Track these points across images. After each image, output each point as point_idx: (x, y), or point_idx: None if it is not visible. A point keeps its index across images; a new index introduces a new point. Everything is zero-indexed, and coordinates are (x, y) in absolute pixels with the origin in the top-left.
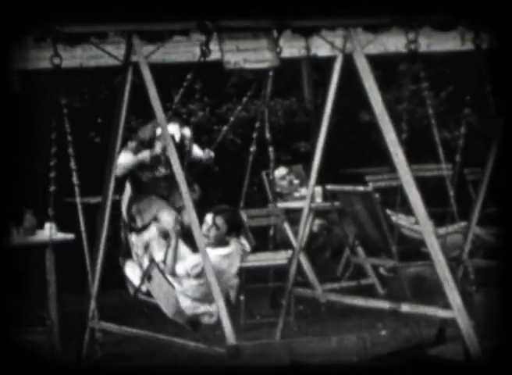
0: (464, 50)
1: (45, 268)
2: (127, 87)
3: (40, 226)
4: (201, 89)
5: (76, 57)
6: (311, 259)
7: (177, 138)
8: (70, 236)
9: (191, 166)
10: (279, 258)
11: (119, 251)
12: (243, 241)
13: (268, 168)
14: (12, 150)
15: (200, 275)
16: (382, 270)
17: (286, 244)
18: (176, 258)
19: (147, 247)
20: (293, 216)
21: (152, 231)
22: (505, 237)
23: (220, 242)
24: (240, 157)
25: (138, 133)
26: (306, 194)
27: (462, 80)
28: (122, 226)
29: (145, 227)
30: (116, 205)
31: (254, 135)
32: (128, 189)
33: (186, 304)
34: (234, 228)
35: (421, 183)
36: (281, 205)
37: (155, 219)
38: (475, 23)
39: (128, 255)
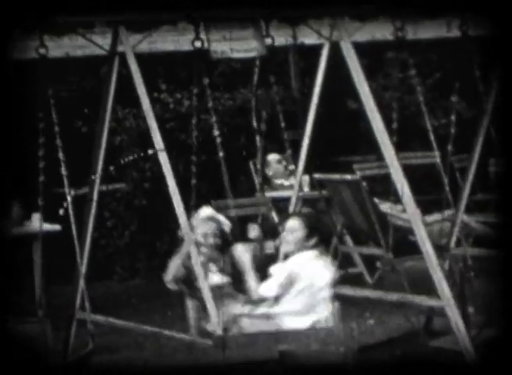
0: (450, 37)
1: (32, 259)
2: (114, 77)
3: (28, 218)
4: (187, 78)
5: (62, 47)
6: None
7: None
8: (57, 227)
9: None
10: (267, 247)
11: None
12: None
13: (255, 157)
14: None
15: (289, 286)
16: (378, 264)
17: (273, 234)
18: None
19: None
20: (280, 205)
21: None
22: (500, 225)
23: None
24: (227, 146)
25: None
26: (294, 183)
27: (449, 67)
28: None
29: None
30: (103, 196)
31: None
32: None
33: (291, 324)
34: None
35: (409, 171)
36: (268, 194)
37: None
38: (462, 10)
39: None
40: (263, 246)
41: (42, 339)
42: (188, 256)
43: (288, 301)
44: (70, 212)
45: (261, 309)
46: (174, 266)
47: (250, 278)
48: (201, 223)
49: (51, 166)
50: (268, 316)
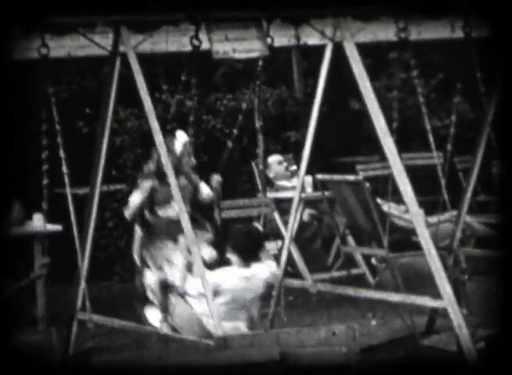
0: (454, 38)
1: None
2: (115, 78)
3: (29, 218)
4: (189, 79)
5: (63, 47)
6: (301, 249)
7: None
8: (58, 227)
9: (198, 205)
10: (269, 248)
11: (137, 298)
12: (270, 262)
13: (257, 158)
14: (1, 141)
15: (215, 294)
16: (373, 260)
17: (276, 235)
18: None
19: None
20: (283, 206)
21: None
22: (501, 225)
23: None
24: (226, 146)
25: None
26: (296, 184)
27: (452, 68)
28: (136, 271)
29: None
30: (104, 196)
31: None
32: (138, 232)
33: (209, 324)
34: (252, 250)
35: (412, 171)
36: (271, 195)
37: (167, 260)
38: (465, 11)
39: (145, 300)
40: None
41: (48, 349)
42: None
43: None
44: (72, 211)
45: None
46: (134, 204)
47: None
48: (178, 145)
49: (51, 165)
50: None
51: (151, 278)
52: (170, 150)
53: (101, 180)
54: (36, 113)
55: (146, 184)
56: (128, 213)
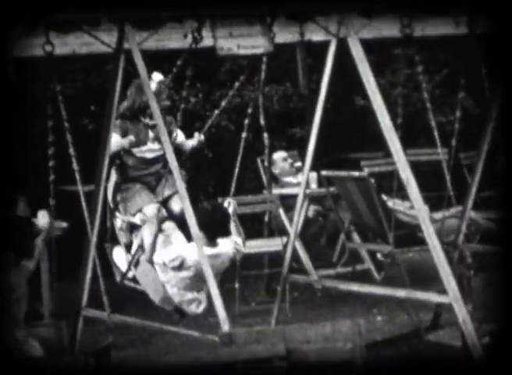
0: (458, 34)
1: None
2: (119, 75)
3: (33, 214)
4: (194, 75)
5: (68, 44)
6: (306, 245)
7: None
8: (63, 224)
9: (178, 152)
10: (274, 244)
11: (105, 236)
12: (237, 238)
13: (262, 154)
14: (5, 138)
15: (179, 268)
16: (379, 256)
17: (281, 231)
18: (162, 245)
19: (133, 230)
20: (288, 202)
21: (137, 220)
22: (504, 221)
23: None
24: (234, 143)
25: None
26: (301, 180)
27: (456, 64)
28: (108, 212)
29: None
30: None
31: (246, 121)
32: (113, 175)
33: (172, 291)
34: (218, 228)
35: (417, 167)
36: (276, 191)
37: (140, 210)
38: (469, 7)
39: (114, 240)
40: None
41: (59, 344)
42: None
43: (171, 275)
44: (84, 208)
45: None
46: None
47: None
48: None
49: (56, 163)
50: None
51: (124, 226)
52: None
53: (106, 176)
54: (41, 111)
55: (123, 124)
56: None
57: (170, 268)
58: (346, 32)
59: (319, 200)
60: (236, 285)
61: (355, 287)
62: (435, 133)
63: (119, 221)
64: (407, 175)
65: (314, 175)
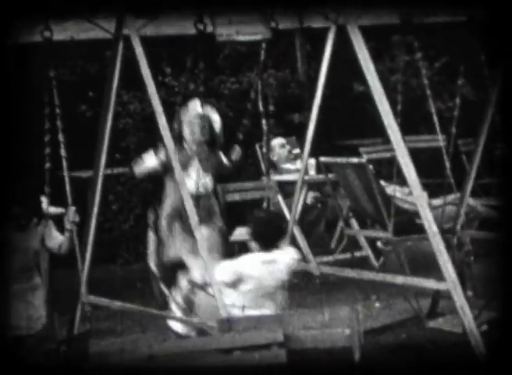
0: (457, 20)
1: None
2: (118, 61)
3: None
4: (193, 61)
5: (67, 30)
6: (304, 232)
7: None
8: (61, 210)
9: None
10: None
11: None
12: (290, 248)
13: (261, 141)
14: (4, 123)
15: (236, 284)
16: (378, 243)
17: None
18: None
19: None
20: (286, 189)
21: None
22: (503, 207)
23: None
24: (233, 130)
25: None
26: (300, 167)
27: (455, 51)
28: (151, 278)
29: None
30: (108, 179)
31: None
32: (151, 236)
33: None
34: (274, 238)
35: (416, 154)
36: (274, 177)
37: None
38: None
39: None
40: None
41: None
42: None
43: (234, 295)
44: (68, 193)
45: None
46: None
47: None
48: (190, 120)
49: (55, 149)
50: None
51: (182, 282)
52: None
53: (105, 163)
54: (41, 97)
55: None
56: (138, 170)
57: (228, 285)
58: (345, 19)
59: (318, 186)
60: None
61: (353, 274)
62: (435, 120)
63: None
64: (405, 161)
65: (312, 161)
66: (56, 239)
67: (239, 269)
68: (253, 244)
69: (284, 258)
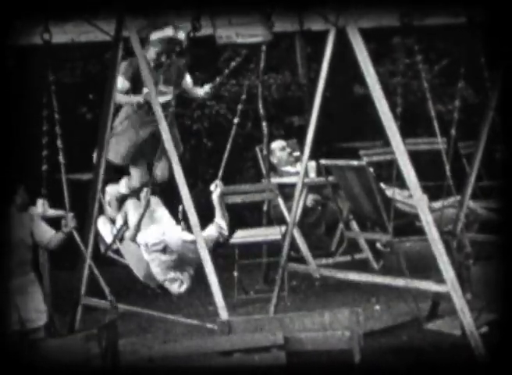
0: (457, 23)
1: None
2: (118, 62)
3: (32, 203)
4: (193, 63)
5: (67, 32)
6: (304, 234)
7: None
8: (62, 212)
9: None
10: (273, 233)
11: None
12: (220, 221)
13: (261, 143)
14: (4, 126)
15: (162, 251)
16: (378, 245)
17: (279, 220)
18: (146, 224)
19: (121, 202)
20: (286, 191)
21: (122, 185)
22: (503, 210)
23: None
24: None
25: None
26: (300, 169)
27: (456, 53)
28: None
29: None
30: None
31: (239, 107)
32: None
33: (155, 270)
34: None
35: (416, 156)
36: (275, 180)
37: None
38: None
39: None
40: None
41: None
42: None
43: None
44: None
45: None
46: None
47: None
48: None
49: (54, 151)
50: None
51: (112, 189)
52: None
53: (105, 165)
54: (40, 99)
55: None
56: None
57: (150, 251)
58: (346, 21)
59: (318, 189)
60: (235, 274)
61: (353, 276)
62: (435, 123)
63: (107, 196)
64: (405, 164)
65: (312, 164)
66: (46, 233)
67: (167, 241)
68: (182, 224)
69: (210, 235)
